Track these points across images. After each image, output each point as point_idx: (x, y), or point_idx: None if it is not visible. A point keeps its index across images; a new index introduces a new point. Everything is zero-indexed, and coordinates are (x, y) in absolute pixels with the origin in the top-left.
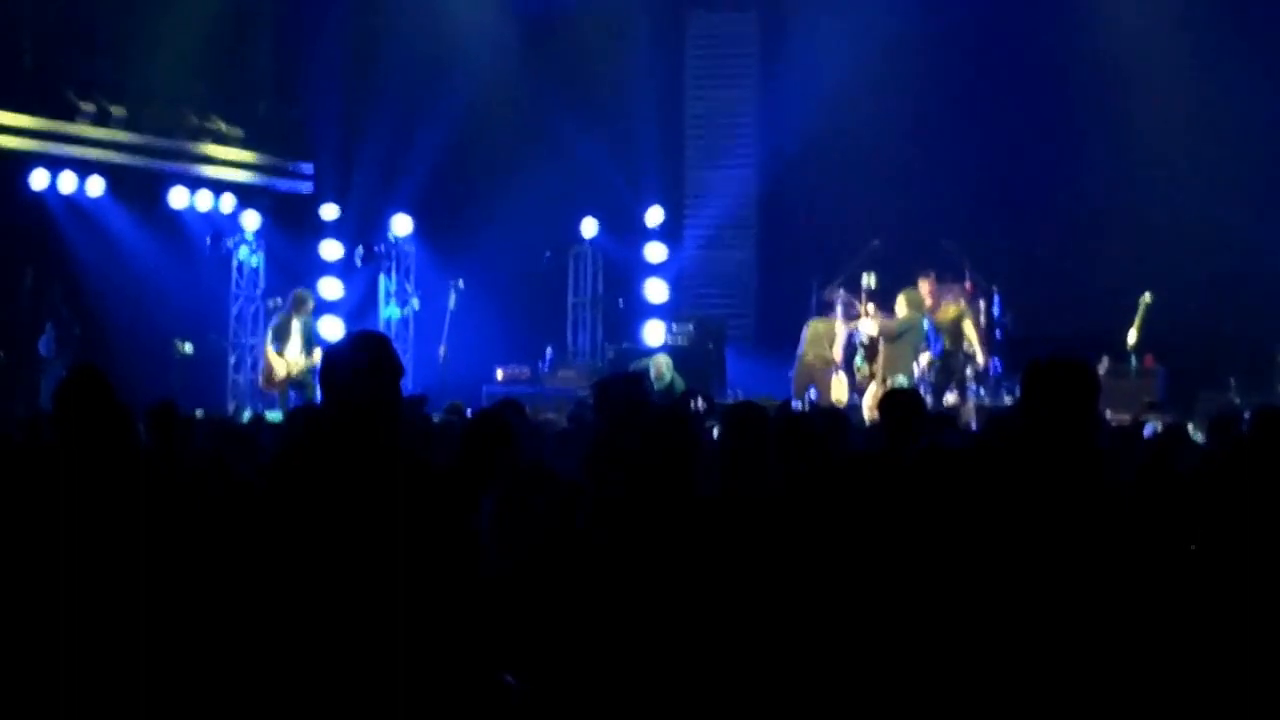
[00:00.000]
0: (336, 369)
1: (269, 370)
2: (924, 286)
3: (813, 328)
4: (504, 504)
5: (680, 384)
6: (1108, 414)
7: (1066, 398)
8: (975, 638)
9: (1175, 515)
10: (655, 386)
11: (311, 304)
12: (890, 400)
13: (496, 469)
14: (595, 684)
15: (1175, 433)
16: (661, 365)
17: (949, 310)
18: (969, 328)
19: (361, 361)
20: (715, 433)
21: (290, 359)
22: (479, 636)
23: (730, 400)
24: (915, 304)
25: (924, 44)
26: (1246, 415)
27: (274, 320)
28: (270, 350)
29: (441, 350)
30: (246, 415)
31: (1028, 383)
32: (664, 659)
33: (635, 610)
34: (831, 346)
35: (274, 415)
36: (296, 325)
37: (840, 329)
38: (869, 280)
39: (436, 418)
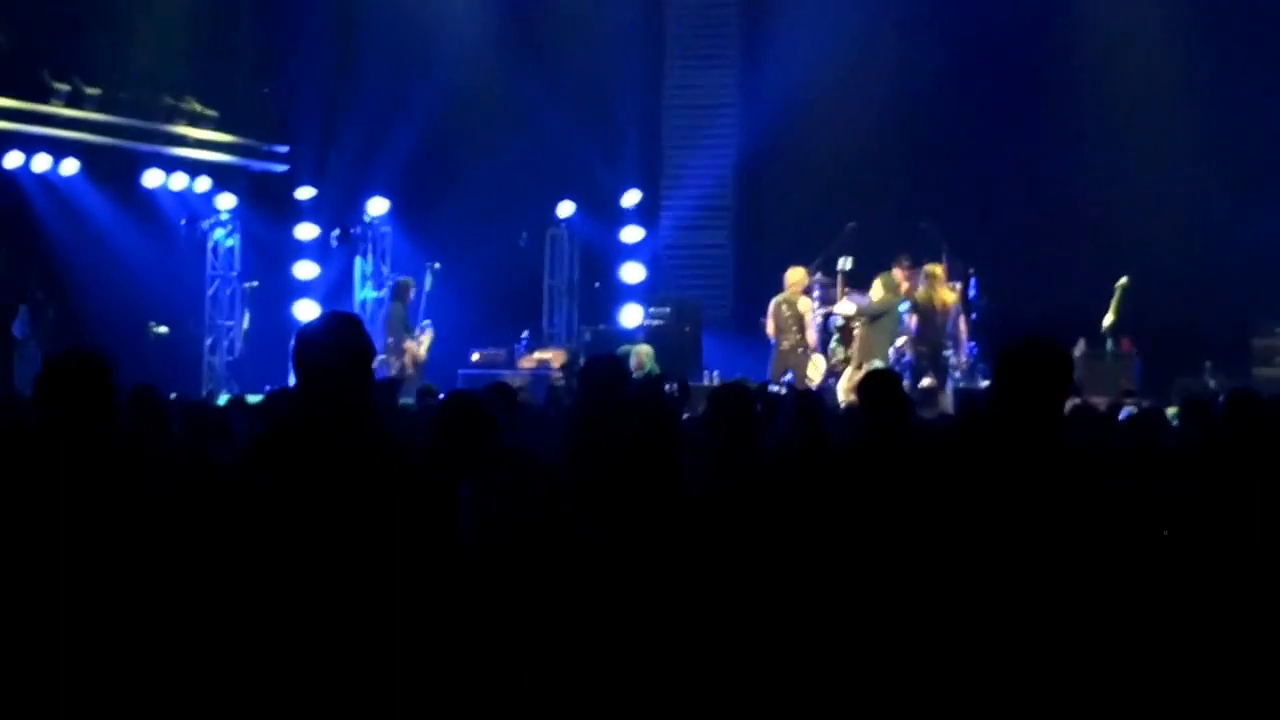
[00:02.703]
0: (308, 351)
1: (414, 357)
2: (898, 271)
3: (777, 310)
4: (486, 490)
5: (660, 374)
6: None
7: (1039, 381)
8: (955, 627)
9: (1151, 498)
10: (636, 376)
11: (413, 291)
12: (869, 383)
13: (476, 454)
14: (586, 670)
15: (1151, 416)
16: (643, 355)
17: (946, 295)
18: (959, 316)
19: (333, 343)
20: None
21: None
22: (459, 624)
23: (707, 382)
24: (892, 288)
25: (904, 27)
26: (1221, 399)
27: (389, 312)
28: (408, 340)
29: (416, 333)
30: (222, 398)
31: (1000, 367)
32: (653, 647)
33: (625, 598)
34: (802, 329)
35: (253, 397)
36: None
37: (807, 307)
38: (845, 264)
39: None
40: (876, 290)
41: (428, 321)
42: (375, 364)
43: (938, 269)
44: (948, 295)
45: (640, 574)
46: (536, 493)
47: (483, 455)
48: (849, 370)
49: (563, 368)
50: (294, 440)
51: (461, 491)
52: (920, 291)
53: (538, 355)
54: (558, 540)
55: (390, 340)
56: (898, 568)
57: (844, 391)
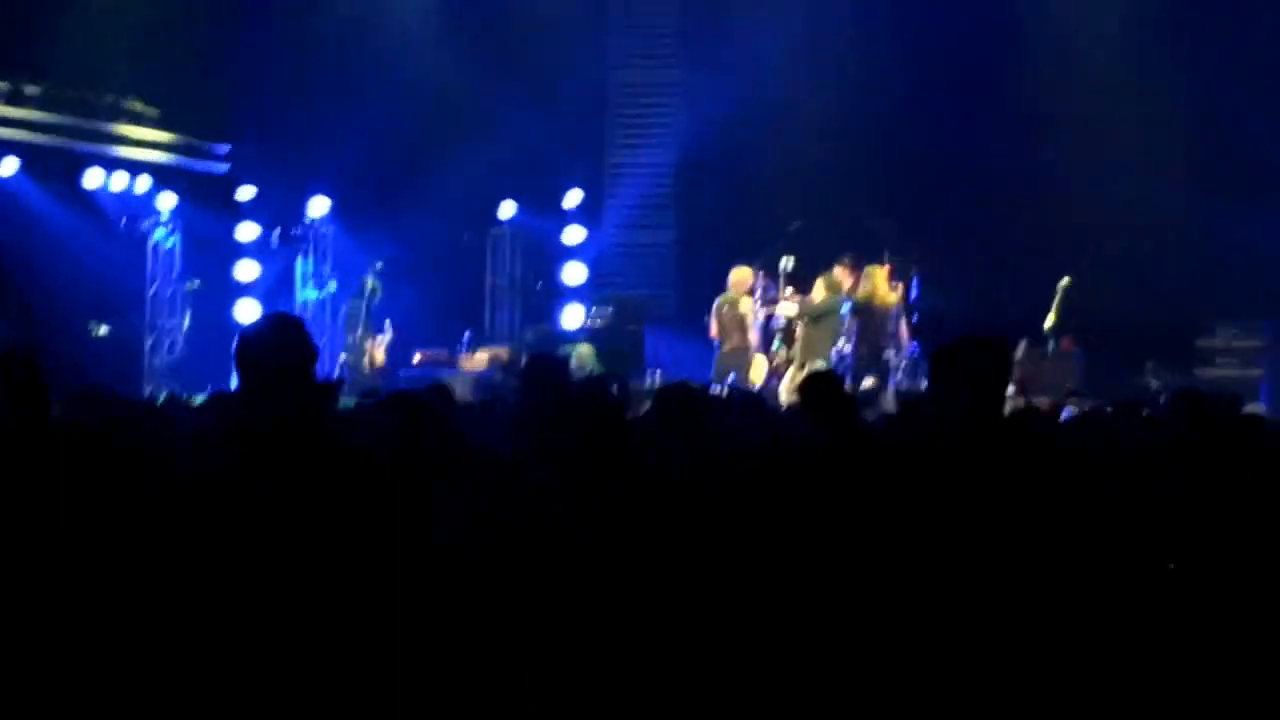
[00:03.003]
0: (250, 351)
1: (372, 357)
2: (840, 270)
3: (719, 312)
4: (451, 490)
5: (602, 374)
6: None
7: (974, 375)
8: (899, 623)
9: (1094, 497)
10: (577, 376)
11: (379, 294)
12: (811, 384)
13: (431, 454)
14: (557, 668)
15: (1094, 416)
16: (583, 355)
17: (887, 295)
18: (900, 316)
19: (275, 344)
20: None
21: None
22: (427, 626)
23: (649, 382)
24: (834, 288)
25: (847, 24)
26: (1163, 399)
27: (351, 310)
28: (369, 339)
29: (361, 334)
30: (163, 398)
31: (937, 364)
32: (618, 640)
33: (594, 597)
34: (744, 331)
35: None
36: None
37: (749, 308)
38: (787, 263)
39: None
40: (818, 290)
41: (387, 322)
42: (340, 363)
43: (879, 269)
44: (889, 295)
45: (607, 572)
46: (505, 492)
47: (441, 455)
48: (791, 370)
49: (503, 367)
50: (244, 441)
51: (423, 490)
52: (861, 291)
53: (480, 355)
54: (529, 539)
55: (350, 339)
56: (844, 565)
57: (786, 392)
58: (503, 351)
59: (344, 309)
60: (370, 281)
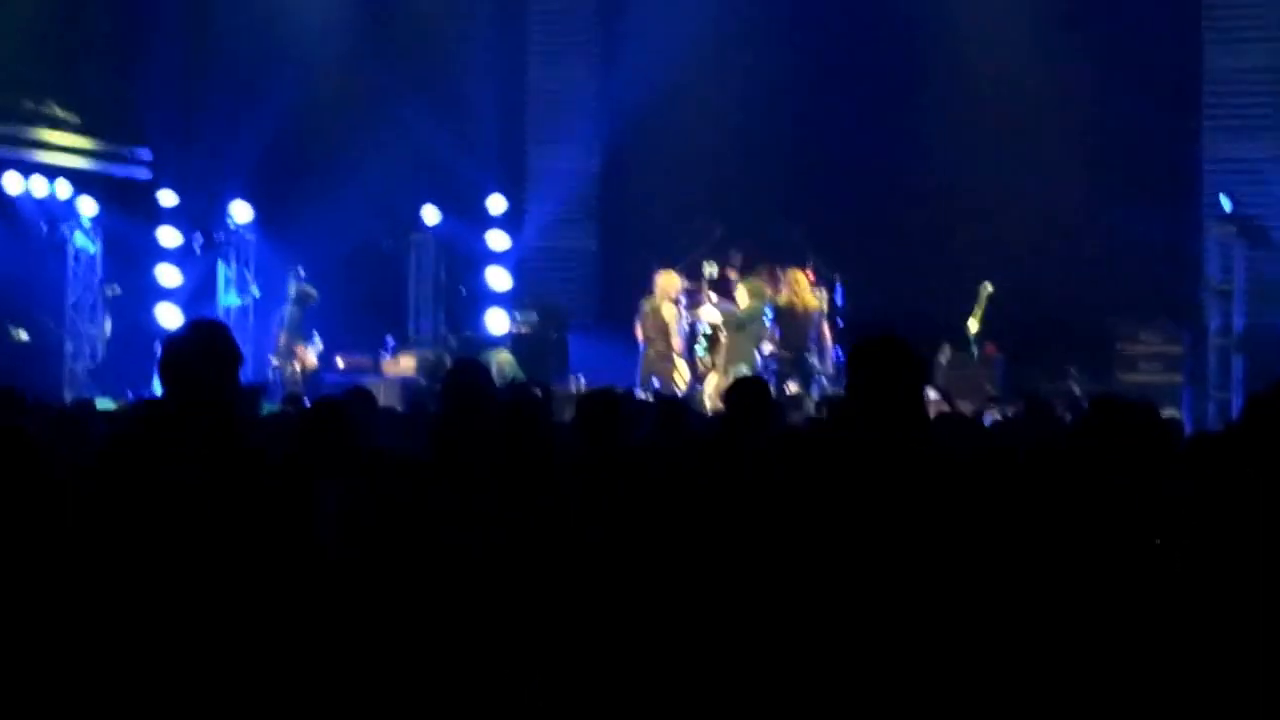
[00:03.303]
0: (175, 358)
1: (304, 363)
2: (763, 275)
3: (644, 316)
4: (347, 491)
5: (521, 380)
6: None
7: (886, 374)
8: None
9: (1005, 498)
10: (497, 383)
11: (313, 299)
12: (737, 389)
13: (337, 456)
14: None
15: (1013, 420)
16: (503, 362)
17: (808, 299)
18: (822, 321)
19: (200, 350)
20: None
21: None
22: (319, 626)
23: (573, 387)
24: (757, 293)
25: (767, 25)
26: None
27: (287, 313)
28: (300, 344)
29: (282, 339)
30: (70, 401)
31: (850, 365)
32: (523, 640)
33: (495, 596)
34: (667, 336)
35: (104, 403)
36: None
37: (671, 314)
38: (710, 269)
39: (276, 408)
40: (742, 296)
41: (315, 333)
42: (273, 367)
43: (800, 273)
44: (810, 299)
45: (510, 573)
46: (399, 493)
47: (344, 457)
48: (714, 376)
49: (428, 373)
50: (154, 444)
51: (322, 493)
52: (782, 296)
53: (403, 360)
54: (422, 539)
55: (283, 344)
56: (760, 566)
57: (710, 398)
58: (427, 356)
59: (283, 314)
60: (305, 287)
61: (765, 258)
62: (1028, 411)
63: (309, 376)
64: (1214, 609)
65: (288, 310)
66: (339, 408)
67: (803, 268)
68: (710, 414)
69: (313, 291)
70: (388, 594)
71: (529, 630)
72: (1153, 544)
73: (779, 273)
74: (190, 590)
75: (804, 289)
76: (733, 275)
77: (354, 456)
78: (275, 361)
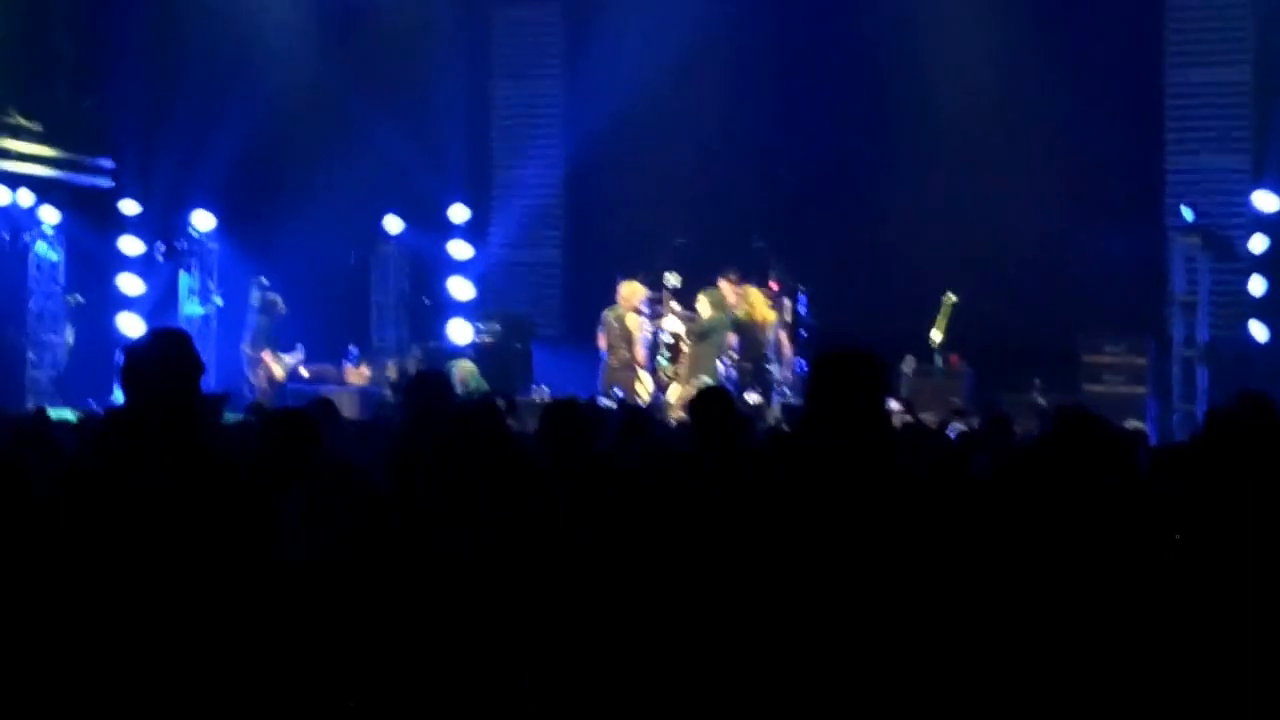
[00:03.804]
0: (137, 367)
1: (270, 373)
2: (725, 285)
3: (608, 325)
4: (311, 502)
5: (484, 390)
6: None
7: (849, 387)
8: (772, 633)
9: (968, 511)
10: (459, 393)
11: (280, 307)
12: (700, 401)
13: (301, 467)
14: (414, 677)
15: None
16: (465, 372)
17: (765, 311)
18: (780, 332)
19: (162, 359)
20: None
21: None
22: (282, 636)
23: (537, 398)
24: (718, 303)
25: (730, 38)
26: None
27: (255, 325)
28: (267, 353)
29: (244, 348)
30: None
31: (813, 375)
32: (485, 655)
33: (455, 605)
34: (630, 346)
35: (64, 413)
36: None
37: (635, 324)
38: (673, 280)
39: (239, 417)
40: (703, 307)
41: (299, 345)
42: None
43: (754, 290)
44: (768, 312)
45: (472, 581)
46: (355, 502)
47: (303, 467)
48: (677, 386)
49: (391, 383)
50: (119, 454)
51: (286, 503)
52: (740, 309)
53: (366, 370)
54: (380, 548)
55: (250, 354)
56: (721, 575)
57: (674, 408)
58: (390, 367)
59: (251, 324)
60: (271, 296)
61: (731, 270)
62: (988, 425)
63: (277, 386)
64: (1177, 618)
65: (255, 320)
66: (300, 419)
67: (765, 280)
68: (674, 424)
69: (278, 300)
70: (349, 602)
71: (488, 639)
72: (1113, 553)
73: (740, 284)
74: (156, 599)
75: (759, 303)
76: (726, 288)
77: (313, 468)
78: (247, 372)
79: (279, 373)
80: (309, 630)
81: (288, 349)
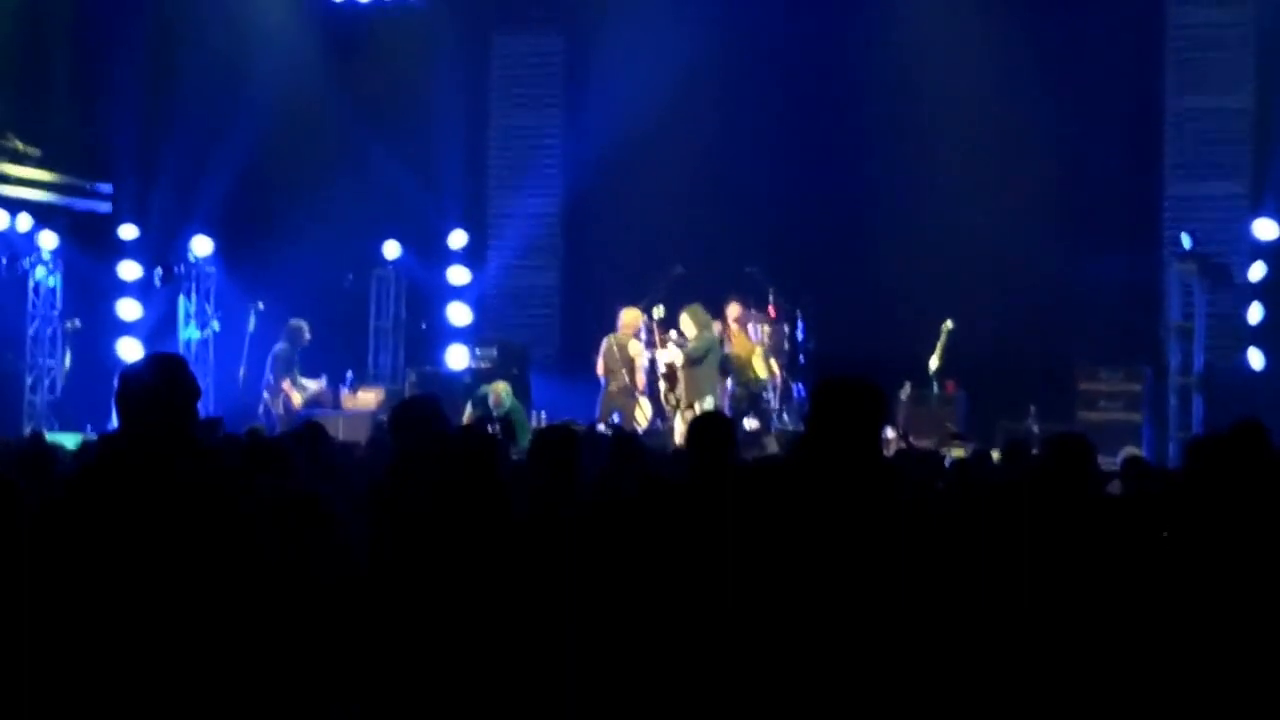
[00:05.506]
0: (132, 391)
1: (288, 401)
2: (731, 311)
3: (608, 351)
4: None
5: (519, 410)
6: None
7: (851, 416)
8: (767, 654)
9: (967, 538)
10: (495, 413)
11: (307, 336)
12: (699, 424)
13: (266, 498)
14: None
15: (975, 460)
16: (500, 392)
17: (748, 350)
18: (765, 363)
19: (157, 384)
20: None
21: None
22: (278, 668)
23: (534, 423)
24: (703, 322)
25: (728, 69)
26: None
27: (278, 352)
28: (287, 381)
29: (241, 372)
30: (55, 438)
31: (814, 403)
32: (461, 675)
33: (440, 632)
34: (631, 372)
35: (63, 438)
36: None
37: (637, 350)
38: (658, 311)
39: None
40: (687, 326)
41: (324, 376)
42: (264, 403)
43: (735, 327)
44: (750, 345)
45: (472, 607)
46: (319, 535)
47: (269, 498)
48: (682, 412)
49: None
50: (114, 480)
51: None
52: (728, 350)
53: (363, 394)
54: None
55: (270, 380)
56: (710, 601)
57: (680, 434)
58: (380, 393)
59: (274, 352)
60: (297, 322)
61: (733, 295)
62: (1005, 452)
63: (295, 414)
64: (1163, 640)
65: (278, 347)
66: (267, 449)
67: (762, 307)
68: (671, 451)
69: (304, 326)
70: (331, 628)
71: (476, 662)
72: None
73: (749, 310)
74: (150, 621)
75: (738, 337)
76: (735, 311)
77: (283, 497)
78: (266, 398)
79: (297, 400)
80: (289, 654)
81: (314, 375)
